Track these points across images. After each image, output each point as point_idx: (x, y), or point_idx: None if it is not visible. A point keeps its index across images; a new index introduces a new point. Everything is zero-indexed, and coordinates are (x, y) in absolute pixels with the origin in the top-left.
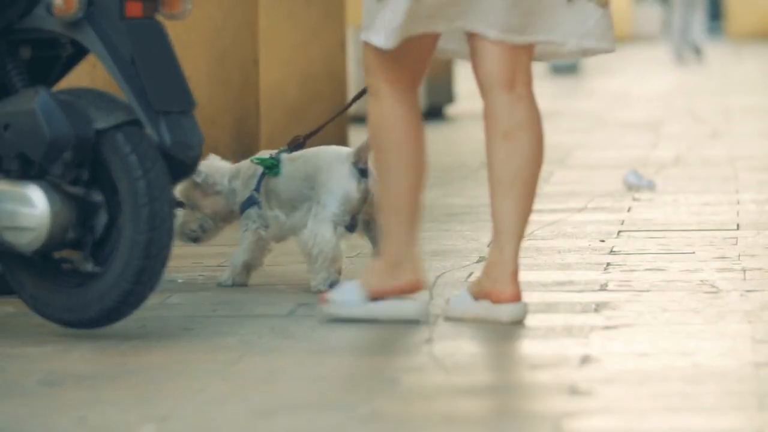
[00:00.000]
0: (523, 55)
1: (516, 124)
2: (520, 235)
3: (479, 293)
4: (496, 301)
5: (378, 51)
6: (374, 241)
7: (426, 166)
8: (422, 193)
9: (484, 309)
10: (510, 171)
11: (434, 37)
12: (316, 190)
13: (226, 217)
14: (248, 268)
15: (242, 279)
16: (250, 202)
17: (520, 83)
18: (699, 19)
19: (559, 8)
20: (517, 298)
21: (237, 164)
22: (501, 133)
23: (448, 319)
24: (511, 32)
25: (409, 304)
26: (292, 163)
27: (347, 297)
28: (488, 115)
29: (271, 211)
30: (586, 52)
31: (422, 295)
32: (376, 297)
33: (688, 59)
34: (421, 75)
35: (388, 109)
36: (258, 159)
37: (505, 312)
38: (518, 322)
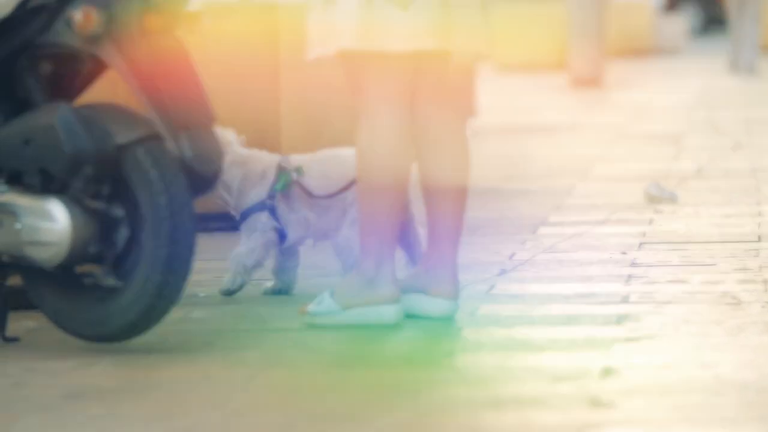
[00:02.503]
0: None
1: (446, 134)
2: (457, 238)
3: (416, 286)
4: (434, 294)
5: (377, 66)
6: (408, 248)
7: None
8: (402, 214)
9: (419, 301)
10: (443, 179)
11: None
12: (352, 196)
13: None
14: (254, 268)
15: (246, 277)
16: (260, 208)
17: (447, 96)
18: (752, 30)
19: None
20: (455, 295)
21: (245, 164)
22: (432, 143)
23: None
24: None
25: (386, 308)
26: (323, 163)
27: (325, 308)
28: (420, 127)
29: (296, 213)
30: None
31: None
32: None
33: (744, 69)
34: (410, 93)
35: (381, 129)
36: (281, 185)
37: (440, 305)
38: (449, 318)
